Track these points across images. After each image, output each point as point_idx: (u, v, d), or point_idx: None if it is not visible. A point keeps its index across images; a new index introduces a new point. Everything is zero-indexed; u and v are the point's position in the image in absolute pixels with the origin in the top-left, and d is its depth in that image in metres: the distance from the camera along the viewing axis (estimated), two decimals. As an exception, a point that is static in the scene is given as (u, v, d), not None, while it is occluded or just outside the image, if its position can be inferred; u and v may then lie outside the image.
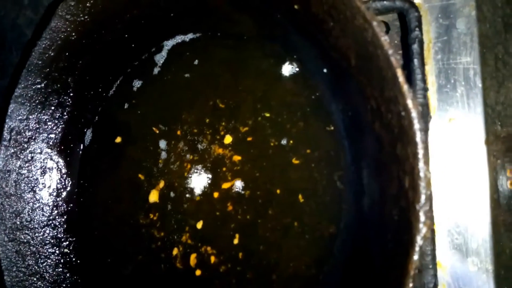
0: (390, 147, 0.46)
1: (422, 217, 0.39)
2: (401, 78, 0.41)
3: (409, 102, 0.41)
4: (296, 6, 0.56)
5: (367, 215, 0.55)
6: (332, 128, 0.64)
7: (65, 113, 0.73)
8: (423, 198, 0.39)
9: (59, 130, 0.73)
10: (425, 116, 0.63)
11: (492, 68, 0.67)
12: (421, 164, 0.40)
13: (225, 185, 0.69)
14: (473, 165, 0.59)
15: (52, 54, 0.67)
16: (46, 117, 0.71)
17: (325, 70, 0.61)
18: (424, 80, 0.62)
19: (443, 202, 0.60)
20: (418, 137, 0.41)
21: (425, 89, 0.62)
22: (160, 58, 0.74)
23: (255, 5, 0.64)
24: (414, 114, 0.41)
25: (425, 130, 0.58)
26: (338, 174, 0.63)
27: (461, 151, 0.60)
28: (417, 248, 0.40)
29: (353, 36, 0.48)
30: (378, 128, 0.48)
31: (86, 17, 0.67)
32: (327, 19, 0.51)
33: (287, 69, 0.68)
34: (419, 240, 0.39)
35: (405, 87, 0.41)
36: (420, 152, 0.40)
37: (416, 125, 0.41)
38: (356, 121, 0.57)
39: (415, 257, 0.40)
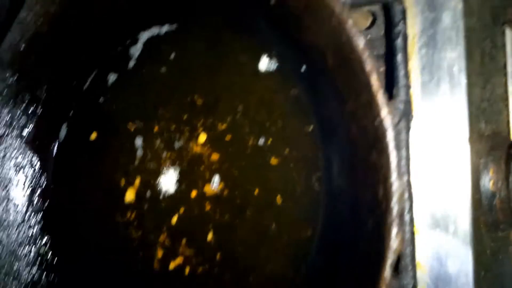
0: (365, 153, 0.45)
1: (393, 232, 0.38)
2: (375, 84, 0.39)
3: (383, 111, 0.39)
4: (272, 1, 0.53)
5: (343, 219, 0.54)
6: (310, 128, 0.62)
7: (38, 108, 0.70)
8: (394, 211, 0.38)
9: (32, 125, 0.71)
10: (407, 113, 0.61)
11: (478, 64, 0.65)
12: (394, 177, 0.38)
13: (203, 185, 0.68)
14: (455, 164, 0.58)
15: (21, 48, 0.64)
16: (18, 112, 0.69)
17: (303, 69, 0.59)
18: (407, 77, 0.59)
19: (423, 201, 0.58)
20: (392, 147, 0.39)
21: (408, 86, 0.60)
22: (135, 51, 0.71)
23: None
24: (387, 123, 0.39)
25: (406, 128, 0.57)
26: (317, 176, 0.61)
27: (444, 149, 0.58)
28: (388, 263, 0.38)
29: (329, 36, 0.46)
30: (354, 133, 0.47)
31: (57, 8, 0.64)
32: (304, 16, 0.49)
33: (265, 65, 0.66)
34: (390, 255, 0.38)
35: (379, 94, 0.39)
36: (393, 163, 0.39)
37: (390, 135, 0.39)
38: (333, 123, 0.55)
39: (387, 271, 0.39)
